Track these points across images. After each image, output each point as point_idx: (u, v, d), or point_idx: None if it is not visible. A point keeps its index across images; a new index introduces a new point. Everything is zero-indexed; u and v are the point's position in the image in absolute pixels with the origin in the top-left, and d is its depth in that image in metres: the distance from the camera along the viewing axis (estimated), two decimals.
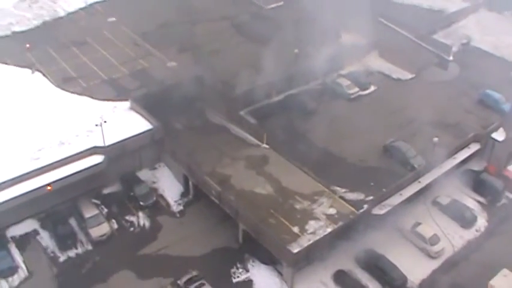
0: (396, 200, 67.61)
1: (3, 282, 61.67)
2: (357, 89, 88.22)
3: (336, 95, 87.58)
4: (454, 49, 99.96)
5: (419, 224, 68.40)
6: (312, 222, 63.95)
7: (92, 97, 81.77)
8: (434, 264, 65.72)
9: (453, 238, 68.56)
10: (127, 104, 79.71)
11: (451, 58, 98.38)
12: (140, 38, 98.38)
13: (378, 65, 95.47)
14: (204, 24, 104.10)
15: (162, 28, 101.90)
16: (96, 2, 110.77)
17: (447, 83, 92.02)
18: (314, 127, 79.62)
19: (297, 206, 66.11)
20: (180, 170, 73.28)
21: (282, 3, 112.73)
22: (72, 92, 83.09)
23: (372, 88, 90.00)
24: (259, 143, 76.12)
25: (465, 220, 70.35)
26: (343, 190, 68.39)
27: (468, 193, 74.80)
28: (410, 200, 69.30)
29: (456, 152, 75.29)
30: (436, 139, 72.41)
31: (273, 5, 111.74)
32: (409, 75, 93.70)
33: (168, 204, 72.25)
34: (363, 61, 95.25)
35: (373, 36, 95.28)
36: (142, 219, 70.11)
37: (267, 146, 75.51)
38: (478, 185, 75.22)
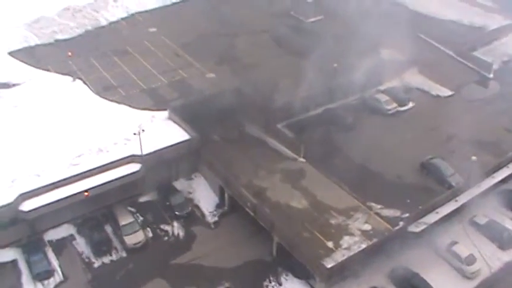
0: (432, 218, 66.64)
1: (39, 285, 62.31)
2: (395, 105, 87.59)
3: (374, 110, 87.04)
4: (495, 67, 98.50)
5: (455, 243, 67.25)
6: (346, 238, 63.40)
7: (131, 106, 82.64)
8: (470, 285, 64.41)
9: (490, 259, 66.97)
10: (165, 113, 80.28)
11: (491, 76, 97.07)
12: (180, 48, 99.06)
13: (417, 81, 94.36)
14: (243, 36, 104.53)
15: (202, 39, 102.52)
16: (138, 12, 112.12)
17: (487, 101, 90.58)
18: (351, 142, 79.01)
19: (332, 221, 65.60)
20: (216, 181, 73.36)
21: (322, 17, 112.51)
22: (111, 100, 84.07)
23: (411, 104, 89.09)
24: (296, 156, 75.75)
25: (503, 241, 68.72)
26: (379, 206, 67.66)
27: (506, 214, 73.05)
28: (446, 218, 68.24)
29: (495, 171, 73.93)
30: (474, 158, 70.87)
31: (313, 19, 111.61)
32: (449, 92, 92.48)
33: (203, 215, 72.41)
34: (402, 77, 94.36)
35: (412, 52, 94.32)
36: (177, 229, 70.29)
37: (303, 160, 75.18)
38: None
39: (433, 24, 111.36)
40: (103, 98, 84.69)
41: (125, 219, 68.91)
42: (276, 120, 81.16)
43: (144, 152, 70.20)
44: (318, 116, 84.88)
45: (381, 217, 66.26)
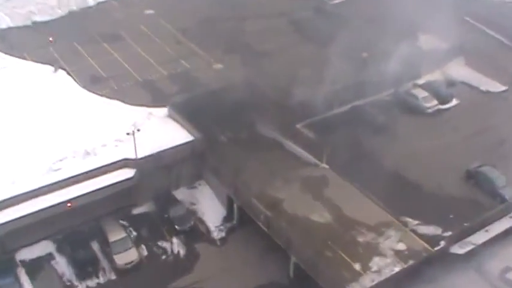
0: (481, 237, 66.21)
1: None
2: (435, 102, 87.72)
3: (411, 108, 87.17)
4: None
5: (510, 269, 66.34)
6: (376, 259, 63.14)
7: (124, 101, 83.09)
8: None
9: None
10: (164, 110, 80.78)
11: None
12: (181, 34, 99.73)
13: (463, 74, 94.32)
14: (256, 20, 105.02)
15: (208, 24, 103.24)
16: None
17: None
18: (383, 146, 79.04)
19: (360, 239, 65.44)
20: (223, 190, 73.64)
21: None
22: (100, 95, 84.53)
23: (454, 102, 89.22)
24: (318, 162, 75.81)
25: None
26: (416, 222, 67.42)
27: None
28: (498, 238, 67.54)
29: None
30: None
31: (338, 0, 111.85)
32: (501, 87, 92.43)
33: (207, 230, 72.66)
34: (445, 69, 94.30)
35: (457, 39, 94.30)
36: (176, 246, 70.39)
37: (326, 166, 75.30)
38: None
39: (481, 5, 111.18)
40: (90, 91, 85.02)
41: (115, 235, 68.82)
42: (294, 119, 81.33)
43: (139, 156, 70.39)
44: (344, 115, 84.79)
45: (418, 235, 65.83)
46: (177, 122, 78.62)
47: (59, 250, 68.29)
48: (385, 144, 79.66)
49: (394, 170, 75.58)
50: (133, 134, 68.22)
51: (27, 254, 67.45)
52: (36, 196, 66.15)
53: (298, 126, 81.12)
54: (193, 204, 75.49)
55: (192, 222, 72.53)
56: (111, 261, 67.20)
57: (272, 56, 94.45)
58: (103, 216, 70.99)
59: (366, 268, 61.94)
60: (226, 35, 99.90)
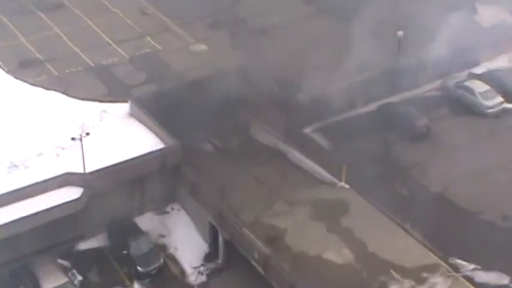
0: None
1: None
2: (499, 99, 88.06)
3: (464, 107, 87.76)
4: None
5: None
6: None
7: (67, 94, 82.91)
8: None
9: None
10: (124, 107, 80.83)
11: None
12: (150, 3, 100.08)
13: None
14: None
15: None
16: None
17: None
18: (425, 159, 79.26)
19: (393, 287, 64.98)
20: (205, 217, 73.61)
21: None
22: (33, 84, 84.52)
23: None
24: (335, 179, 75.94)
25: None
26: (472, 266, 67.01)
27: None
28: None
29: None
30: None
31: None
32: None
33: (182, 272, 72.55)
34: None
35: None
36: None
37: (346, 186, 75.43)
38: None
39: None
40: (20, 79, 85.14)
41: (51, 280, 68.28)
42: (302, 122, 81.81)
43: (88, 169, 70.14)
44: (370, 116, 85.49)
45: (474, 284, 65.43)
46: (142, 123, 78.62)
47: None
48: (428, 157, 79.87)
49: (439, 193, 75.64)
50: (80, 139, 67.60)
51: None
52: None
53: (306, 130, 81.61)
54: (162, 236, 75.58)
55: (160, 261, 72.14)
56: None
57: (273, 35, 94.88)
58: (35, 254, 70.35)
59: None
60: (212, 5, 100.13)
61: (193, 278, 72.20)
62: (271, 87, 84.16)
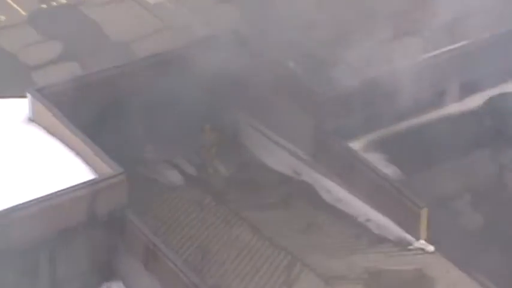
0: None
1: None
2: None
3: None
4: None
5: None
6: None
7: None
8: None
9: None
10: (20, 105, 61.90)
11: None
12: None
13: None
14: None
15: None
16: None
17: None
18: None
19: None
20: None
21: None
22: None
23: None
24: (408, 235, 56.89)
25: None
26: None
27: None
28: None
29: None
30: None
31: None
32: None
33: None
34: None
35: None
36: None
37: (431, 248, 55.98)
38: None
39: None
40: None
41: None
42: (344, 129, 61.03)
43: None
44: (471, 118, 67.47)
45: None
46: (53, 134, 57.61)
47: None
48: None
49: None
50: None
51: None
52: None
53: (354, 145, 60.28)
54: None
55: None
56: None
57: None
58: None
59: None
60: None
61: None
62: (286, 65, 62.48)
